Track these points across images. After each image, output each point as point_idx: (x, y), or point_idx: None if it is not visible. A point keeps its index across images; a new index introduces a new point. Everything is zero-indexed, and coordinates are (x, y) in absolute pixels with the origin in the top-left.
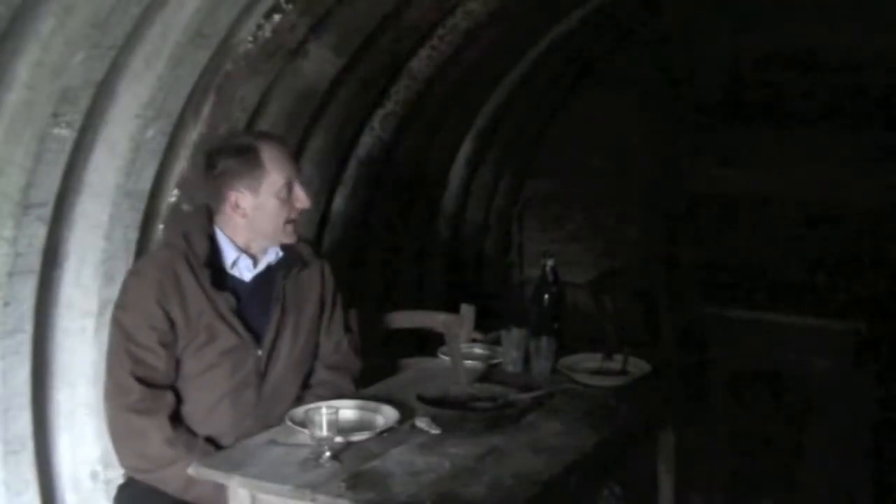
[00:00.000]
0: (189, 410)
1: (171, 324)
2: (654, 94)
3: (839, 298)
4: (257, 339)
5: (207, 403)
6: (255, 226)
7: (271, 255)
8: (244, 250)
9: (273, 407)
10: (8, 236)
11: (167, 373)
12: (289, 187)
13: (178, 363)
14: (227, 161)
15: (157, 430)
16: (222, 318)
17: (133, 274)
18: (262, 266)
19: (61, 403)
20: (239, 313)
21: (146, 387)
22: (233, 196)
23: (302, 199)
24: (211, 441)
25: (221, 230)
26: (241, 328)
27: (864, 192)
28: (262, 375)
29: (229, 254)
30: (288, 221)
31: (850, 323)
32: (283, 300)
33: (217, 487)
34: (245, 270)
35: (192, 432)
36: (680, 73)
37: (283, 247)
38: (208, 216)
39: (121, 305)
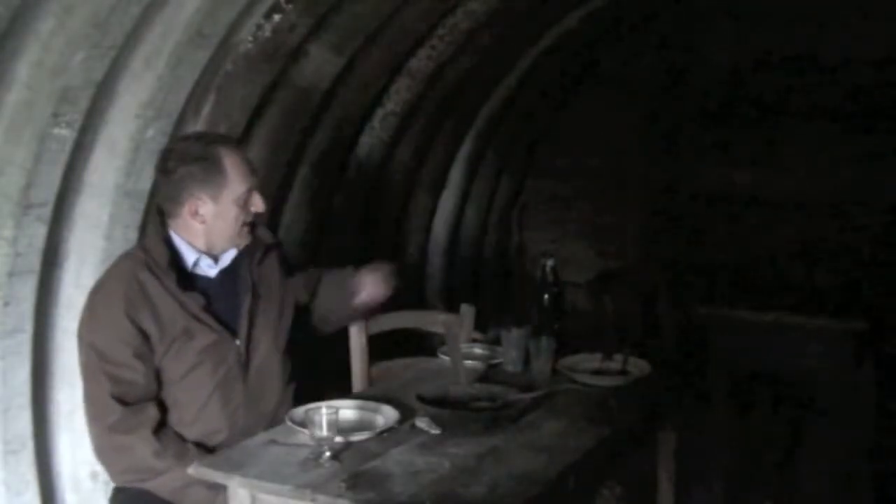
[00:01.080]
0: (179, 414)
1: (145, 336)
2: (654, 94)
3: (839, 298)
4: (233, 331)
5: (196, 403)
6: (213, 231)
7: (232, 249)
8: (203, 251)
9: (261, 394)
10: (8, 236)
11: (147, 385)
12: (249, 194)
13: (159, 371)
14: (187, 167)
15: (143, 446)
16: (195, 317)
17: (96, 291)
18: (226, 261)
19: (61, 403)
20: (211, 309)
21: (126, 405)
22: (192, 203)
23: (258, 204)
24: (202, 445)
25: (177, 233)
26: (215, 324)
27: (864, 192)
28: (245, 365)
29: (189, 256)
30: (245, 224)
31: (850, 323)
32: (253, 287)
33: (212, 491)
34: (208, 268)
35: (181, 440)
36: (680, 73)
37: None
38: (161, 220)
39: (89, 325)
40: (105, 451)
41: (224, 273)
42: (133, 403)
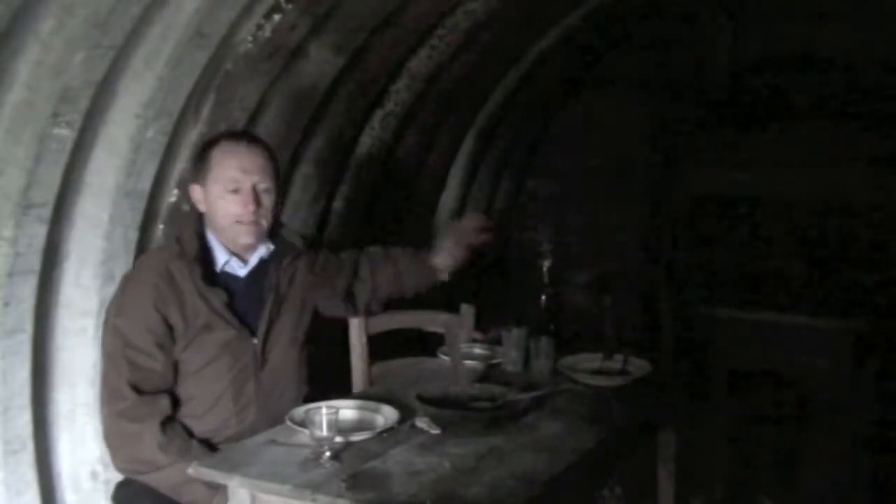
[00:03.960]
0: (191, 407)
1: (169, 328)
2: (654, 94)
3: (839, 298)
4: (252, 330)
5: (209, 397)
6: (212, 219)
7: (262, 250)
8: (233, 253)
9: (274, 394)
10: (8, 236)
11: (164, 375)
12: (234, 185)
13: (178, 362)
14: (194, 157)
15: (149, 436)
16: (216, 312)
17: (129, 279)
18: (254, 262)
19: (61, 403)
20: (234, 308)
21: (140, 393)
22: (190, 190)
23: (246, 201)
24: (208, 441)
25: (212, 233)
26: (234, 320)
27: (864, 192)
28: (260, 364)
29: (220, 255)
30: (239, 221)
31: (850, 323)
32: (277, 289)
33: (210, 490)
34: (238, 268)
35: (187, 436)
36: (680, 74)
37: (274, 240)
38: (199, 217)
39: (117, 310)
40: (111, 437)
41: (253, 276)
42: (147, 393)
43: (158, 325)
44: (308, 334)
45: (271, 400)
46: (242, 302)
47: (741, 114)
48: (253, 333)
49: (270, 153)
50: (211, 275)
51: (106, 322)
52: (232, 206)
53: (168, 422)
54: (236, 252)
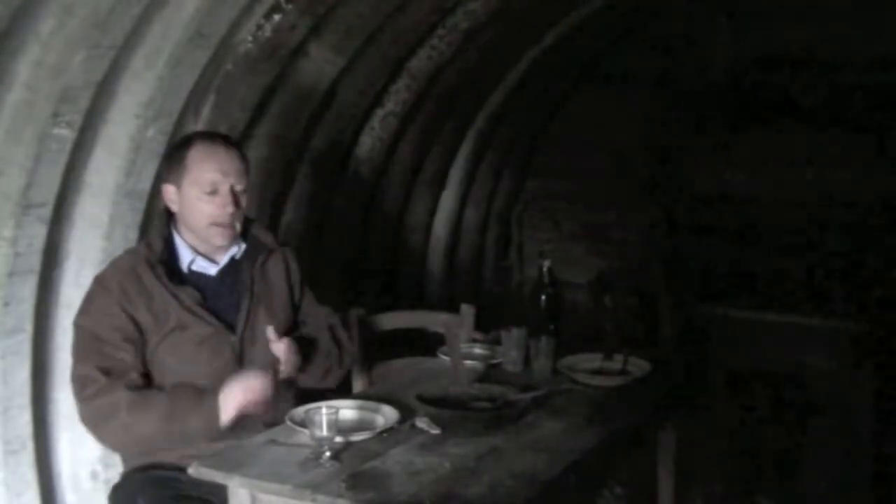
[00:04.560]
0: None
1: (137, 326)
2: (654, 94)
3: (839, 298)
4: (231, 327)
5: None
6: (185, 220)
7: (234, 250)
8: (201, 253)
9: None
10: (8, 236)
11: (134, 365)
12: (212, 187)
13: (155, 361)
14: (165, 159)
15: (122, 400)
16: (189, 310)
17: (96, 282)
18: (225, 260)
19: (61, 403)
20: (207, 306)
21: (109, 375)
22: (164, 190)
23: (224, 202)
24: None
25: (178, 232)
26: (210, 318)
27: (864, 192)
28: (240, 361)
29: (185, 254)
30: (215, 223)
31: (850, 323)
32: (252, 288)
33: (198, 396)
34: (208, 267)
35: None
36: (680, 74)
37: (246, 238)
38: (166, 222)
39: (83, 313)
40: (92, 421)
41: (225, 273)
42: (118, 374)
43: (126, 324)
44: (291, 331)
45: None
46: (216, 300)
47: (740, 114)
48: (232, 330)
49: (243, 154)
50: (178, 274)
51: (74, 325)
52: (209, 208)
53: (135, 383)
54: (204, 252)
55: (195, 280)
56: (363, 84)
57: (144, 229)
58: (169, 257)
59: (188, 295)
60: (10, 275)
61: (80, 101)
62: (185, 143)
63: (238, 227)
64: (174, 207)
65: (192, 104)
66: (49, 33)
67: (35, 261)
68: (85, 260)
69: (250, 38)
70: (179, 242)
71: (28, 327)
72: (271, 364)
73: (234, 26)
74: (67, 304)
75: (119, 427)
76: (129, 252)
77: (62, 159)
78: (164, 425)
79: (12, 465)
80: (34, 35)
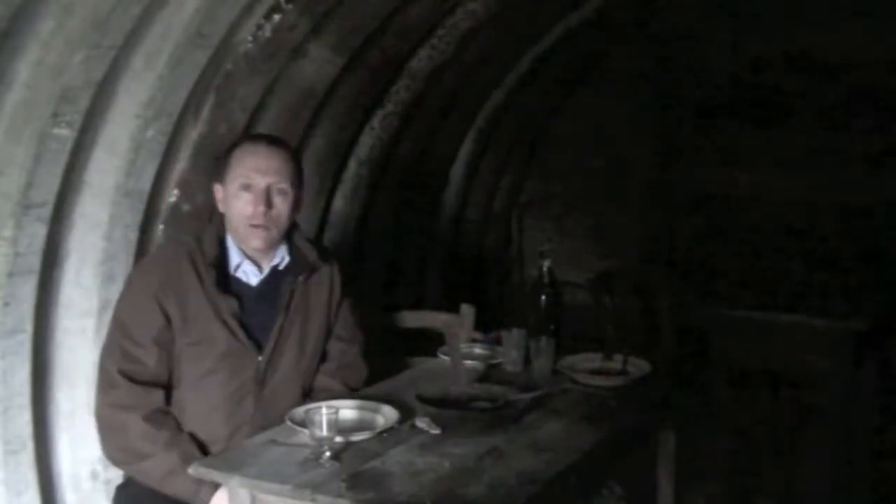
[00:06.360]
0: (186, 417)
1: (167, 320)
2: (654, 94)
3: (839, 298)
4: (259, 345)
5: (203, 409)
6: (228, 220)
7: (277, 260)
8: (248, 256)
9: (271, 416)
10: (8, 236)
11: (156, 370)
12: (246, 182)
13: (176, 367)
14: (218, 155)
15: (136, 426)
16: (223, 321)
17: (138, 267)
18: (267, 270)
19: (61, 403)
20: (242, 318)
21: (131, 383)
22: (214, 187)
23: (252, 202)
24: (203, 446)
25: (230, 234)
26: (241, 333)
27: (864, 192)
28: (261, 383)
29: (234, 257)
30: (252, 225)
31: (850, 323)
32: (288, 306)
33: (196, 484)
34: (251, 275)
35: (178, 428)
36: (680, 73)
37: (292, 251)
38: (222, 221)
39: (121, 299)
40: (101, 425)
41: (265, 286)
42: (139, 383)
43: (157, 317)
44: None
45: (268, 421)
46: (251, 314)
47: (741, 114)
48: (258, 350)
49: (291, 155)
50: (223, 281)
51: (115, 308)
52: (242, 205)
53: (157, 413)
54: (250, 256)
55: (236, 288)
56: (363, 84)
57: (144, 229)
58: (220, 261)
59: (228, 305)
60: (10, 275)
61: (80, 101)
62: (236, 143)
63: (277, 231)
64: (221, 207)
65: (192, 104)
66: (49, 33)
67: (35, 261)
68: (85, 260)
69: (250, 38)
70: (231, 244)
71: (28, 327)
72: None
73: (234, 26)
74: (67, 304)
75: (121, 446)
76: (175, 242)
77: (62, 159)
78: (156, 474)
79: (12, 465)
80: (34, 35)
